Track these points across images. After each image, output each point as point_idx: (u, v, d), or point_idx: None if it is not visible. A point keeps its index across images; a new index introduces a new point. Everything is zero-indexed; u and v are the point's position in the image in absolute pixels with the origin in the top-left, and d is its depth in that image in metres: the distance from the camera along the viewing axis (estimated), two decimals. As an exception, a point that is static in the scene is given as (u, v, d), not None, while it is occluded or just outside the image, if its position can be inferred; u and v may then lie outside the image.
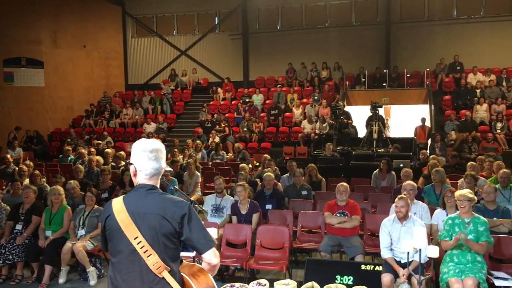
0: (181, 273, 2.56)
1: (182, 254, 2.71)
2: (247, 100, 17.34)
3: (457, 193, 5.17)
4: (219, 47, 20.41)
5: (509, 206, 6.39)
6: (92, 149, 12.29)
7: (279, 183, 8.45)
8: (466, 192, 5.06)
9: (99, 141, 14.53)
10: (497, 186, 6.77)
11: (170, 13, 20.98)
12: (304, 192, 7.95)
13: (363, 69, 17.51)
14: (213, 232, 3.47)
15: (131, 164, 2.63)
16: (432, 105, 15.46)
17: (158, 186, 2.66)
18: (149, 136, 15.19)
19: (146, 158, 2.57)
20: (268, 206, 7.26)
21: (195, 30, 20.79)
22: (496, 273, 5.21)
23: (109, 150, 11.81)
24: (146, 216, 2.50)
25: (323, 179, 8.86)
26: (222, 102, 18.13)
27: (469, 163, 8.76)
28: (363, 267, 5.50)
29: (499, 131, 13.65)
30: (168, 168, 2.99)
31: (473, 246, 4.83)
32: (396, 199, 5.27)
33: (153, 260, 2.45)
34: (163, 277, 2.47)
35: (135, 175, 2.63)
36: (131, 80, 21.45)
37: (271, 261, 5.89)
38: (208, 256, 2.53)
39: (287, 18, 19.67)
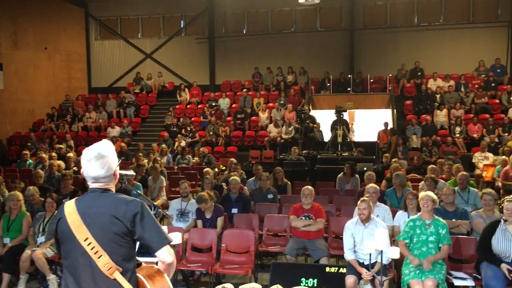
0: (137, 274, 2.55)
1: (144, 259, 2.68)
2: (213, 104, 17.30)
3: (422, 193, 5.34)
4: (185, 51, 20.29)
5: (467, 208, 6.60)
6: (54, 154, 11.97)
7: (245, 187, 8.45)
8: (430, 193, 5.26)
9: (61, 146, 14.17)
10: (456, 188, 6.99)
11: (135, 15, 20.72)
12: (270, 196, 7.98)
13: (328, 74, 17.76)
14: (177, 237, 3.44)
15: None
16: (395, 110, 15.84)
17: (114, 189, 2.66)
18: (113, 140, 14.97)
19: (90, 164, 2.57)
20: (234, 210, 7.25)
21: (160, 33, 20.60)
22: (455, 273, 5.35)
23: (71, 155, 11.53)
24: (97, 216, 2.49)
25: (289, 182, 8.92)
26: (188, 106, 18.02)
27: (429, 166, 9.03)
28: (327, 269, 5.56)
29: (457, 135, 14.11)
30: (130, 172, 2.95)
31: (438, 259, 5.01)
32: (359, 201, 5.37)
33: (103, 261, 2.44)
34: (115, 278, 2.45)
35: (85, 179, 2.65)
36: (95, 83, 21.02)
37: (237, 265, 5.88)
38: (162, 254, 2.52)
39: (254, 23, 19.76)
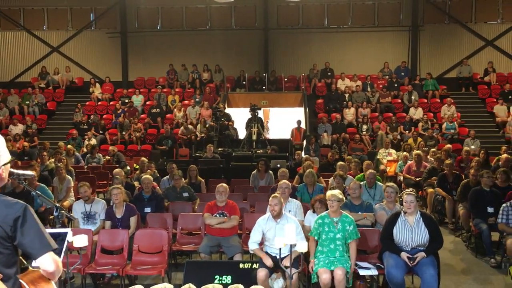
0: (20, 280, 2.39)
1: (33, 263, 2.51)
2: (126, 101, 16.75)
3: (328, 193, 5.52)
4: (95, 45, 19.44)
5: (374, 203, 6.98)
6: None
7: (157, 186, 8.30)
8: (337, 192, 5.45)
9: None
10: (363, 183, 7.38)
11: (40, 6, 19.45)
12: (185, 194, 7.90)
13: (243, 72, 17.93)
14: (82, 240, 3.27)
15: None
16: (307, 108, 16.37)
17: None
18: (16, 138, 14.02)
19: None
20: (147, 209, 7.09)
21: (68, 26, 19.54)
22: (360, 263, 5.65)
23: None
24: None
25: (202, 180, 8.90)
26: (99, 103, 17.31)
27: (338, 163, 9.44)
28: (241, 265, 5.63)
29: (364, 132, 14.90)
30: (28, 172, 2.77)
31: (355, 257, 5.31)
32: (270, 198, 5.48)
33: None
34: None
35: None
36: (-5, 78, 19.51)
37: (149, 266, 5.76)
38: (43, 262, 2.37)
39: (168, 19, 19.42)
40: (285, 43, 18.99)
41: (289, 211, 6.15)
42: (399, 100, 16.61)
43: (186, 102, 16.82)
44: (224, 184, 6.61)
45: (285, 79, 18.09)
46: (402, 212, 5.37)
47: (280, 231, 5.24)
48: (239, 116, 15.92)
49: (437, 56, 18.31)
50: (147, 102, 17.02)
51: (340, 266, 5.09)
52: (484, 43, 18.26)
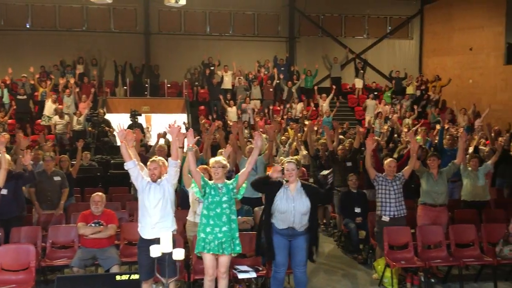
0: None
1: None
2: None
3: (212, 160, 5.28)
4: (-48, 42, 17.45)
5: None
6: None
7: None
8: (221, 159, 5.26)
9: None
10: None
11: None
12: (57, 178, 7.38)
13: (124, 76, 17.33)
14: None
15: None
16: (190, 115, 16.34)
17: None
18: None
19: None
20: (3, 192, 6.24)
21: None
22: (239, 267, 5.78)
23: None
24: None
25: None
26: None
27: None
28: (118, 277, 5.39)
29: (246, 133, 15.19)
30: None
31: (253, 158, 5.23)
32: (149, 163, 5.31)
33: None
34: None
35: None
36: None
37: (14, 285, 5.29)
38: None
39: (38, 17, 18.09)
40: (167, 49, 18.75)
41: None
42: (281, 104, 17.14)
43: (60, 106, 15.54)
44: (100, 193, 6.34)
45: (168, 85, 17.88)
46: (284, 181, 5.32)
47: (158, 191, 5.16)
48: (119, 122, 15.33)
49: (312, 66, 19.19)
50: (15, 107, 15.53)
51: (225, 254, 5.03)
52: (353, 55, 19.84)
